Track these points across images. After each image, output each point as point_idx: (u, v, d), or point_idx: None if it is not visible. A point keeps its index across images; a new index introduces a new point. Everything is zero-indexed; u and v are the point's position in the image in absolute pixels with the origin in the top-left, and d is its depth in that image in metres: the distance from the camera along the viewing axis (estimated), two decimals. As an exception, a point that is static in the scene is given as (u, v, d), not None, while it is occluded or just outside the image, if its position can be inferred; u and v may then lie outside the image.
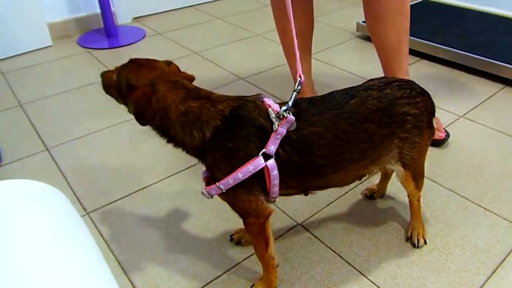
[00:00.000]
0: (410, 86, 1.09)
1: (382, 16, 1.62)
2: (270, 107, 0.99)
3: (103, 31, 2.87)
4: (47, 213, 0.60)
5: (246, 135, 0.96)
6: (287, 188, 1.03)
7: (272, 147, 0.95)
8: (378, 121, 1.02)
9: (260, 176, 0.96)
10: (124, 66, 1.06)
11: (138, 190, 1.54)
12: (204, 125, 0.96)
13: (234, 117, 0.97)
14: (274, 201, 1.07)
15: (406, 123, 1.05)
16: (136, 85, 0.99)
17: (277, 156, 0.96)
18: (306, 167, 1.01)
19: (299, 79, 1.04)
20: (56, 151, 1.76)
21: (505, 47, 2.30)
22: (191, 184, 1.55)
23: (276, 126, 0.96)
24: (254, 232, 1.07)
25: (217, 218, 1.40)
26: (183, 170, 1.60)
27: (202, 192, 1.04)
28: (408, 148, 1.08)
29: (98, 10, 2.83)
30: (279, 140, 0.95)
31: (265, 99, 1.02)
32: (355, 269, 1.22)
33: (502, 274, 1.19)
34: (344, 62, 2.45)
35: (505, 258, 1.24)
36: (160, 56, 1.12)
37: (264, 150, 0.95)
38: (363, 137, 1.02)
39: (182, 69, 1.09)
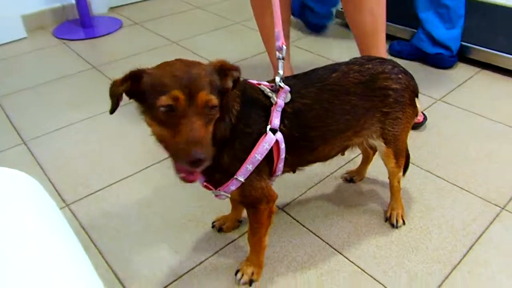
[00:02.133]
0: (392, 63, 1.12)
1: (359, 2, 1.62)
2: (260, 85, 1.01)
3: (78, 22, 2.81)
4: (21, 200, 0.58)
5: (258, 117, 0.97)
6: (285, 165, 1.05)
7: (276, 120, 0.96)
8: (360, 94, 1.05)
9: (268, 155, 0.97)
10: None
11: (118, 181, 1.53)
12: (231, 111, 0.93)
13: (245, 100, 0.96)
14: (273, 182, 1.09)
15: (388, 97, 1.08)
16: None
17: (280, 132, 0.98)
18: (302, 141, 1.03)
19: (283, 46, 1.06)
20: (33, 144, 1.73)
21: (480, 31, 2.33)
22: (171, 174, 1.54)
23: (275, 98, 0.97)
24: (263, 219, 1.06)
25: (197, 207, 1.40)
26: (163, 160, 1.60)
27: (216, 195, 1.02)
28: (390, 123, 1.11)
29: (73, 1, 2.77)
30: (280, 113, 0.97)
31: (250, 81, 1.03)
32: (336, 250, 1.24)
33: (478, 251, 1.22)
34: (323, 48, 2.46)
35: (480, 235, 1.27)
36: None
37: (269, 125, 0.96)
38: (347, 108, 1.05)
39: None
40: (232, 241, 1.28)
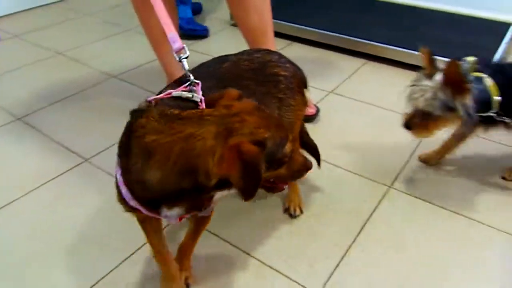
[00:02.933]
0: (278, 54, 1.17)
1: (243, 0, 1.64)
2: (171, 94, 0.89)
3: None
4: None
5: None
6: None
7: None
8: (255, 80, 1.07)
9: None
10: None
11: (2, 207, 1.38)
12: None
13: None
14: None
15: (280, 83, 1.11)
16: None
17: None
18: None
19: (184, 45, 1.00)
20: None
21: (365, 25, 2.50)
22: (65, 190, 1.44)
23: (197, 95, 0.89)
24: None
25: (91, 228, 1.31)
26: (56, 177, 1.47)
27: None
28: (286, 110, 1.14)
29: None
30: None
31: (151, 97, 0.88)
32: (239, 248, 1.23)
33: (369, 229, 1.30)
34: (220, 50, 2.42)
35: (371, 214, 1.35)
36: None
37: None
38: (249, 93, 1.02)
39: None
40: (126, 258, 1.21)
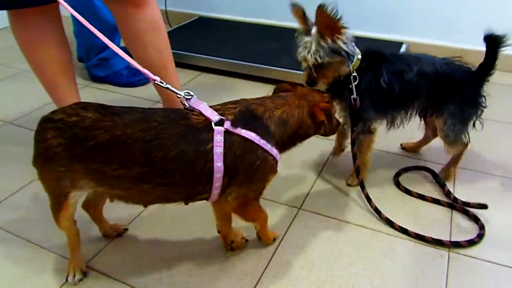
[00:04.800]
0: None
1: (139, 37, 1.62)
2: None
3: None
4: None
5: None
6: None
7: None
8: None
9: None
10: None
11: None
12: None
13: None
14: None
15: None
16: None
17: None
18: None
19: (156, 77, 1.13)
20: None
21: (272, 53, 2.60)
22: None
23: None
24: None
25: None
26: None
27: None
28: None
29: None
30: None
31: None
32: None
33: (281, 254, 1.30)
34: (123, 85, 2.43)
35: (282, 238, 1.36)
36: None
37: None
38: None
39: None
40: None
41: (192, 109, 1.05)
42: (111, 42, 1.17)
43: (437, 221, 1.43)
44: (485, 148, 1.79)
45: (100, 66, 2.42)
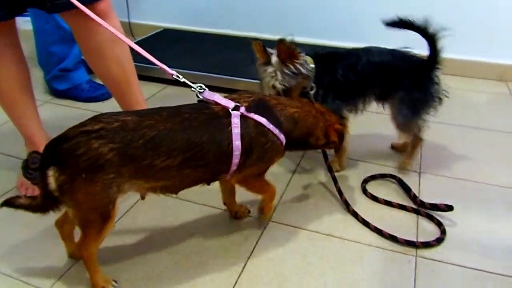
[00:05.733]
0: None
1: (101, 51, 1.57)
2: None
3: None
4: None
5: None
6: None
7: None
8: None
9: None
10: None
11: None
12: None
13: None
14: None
15: None
16: None
17: None
18: None
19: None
20: None
21: (238, 64, 2.58)
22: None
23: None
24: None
25: None
26: None
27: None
28: None
29: None
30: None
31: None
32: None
33: (251, 267, 1.29)
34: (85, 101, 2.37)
35: (251, 252, 1.35)
36: None
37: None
38: None
39: None
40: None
41: (206, 101, 1.19)
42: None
43: (403, 226, 1.45)
44: (445, 152, 1.85)
45: (60, 79, 2.34)
